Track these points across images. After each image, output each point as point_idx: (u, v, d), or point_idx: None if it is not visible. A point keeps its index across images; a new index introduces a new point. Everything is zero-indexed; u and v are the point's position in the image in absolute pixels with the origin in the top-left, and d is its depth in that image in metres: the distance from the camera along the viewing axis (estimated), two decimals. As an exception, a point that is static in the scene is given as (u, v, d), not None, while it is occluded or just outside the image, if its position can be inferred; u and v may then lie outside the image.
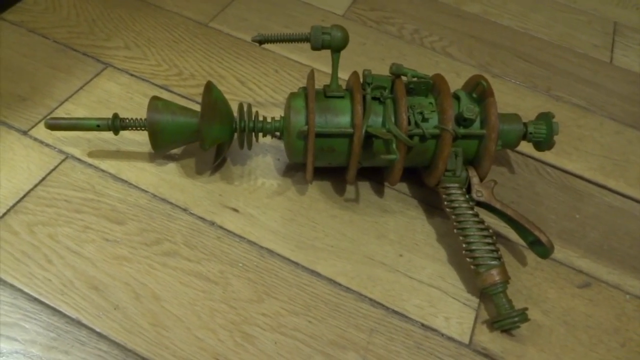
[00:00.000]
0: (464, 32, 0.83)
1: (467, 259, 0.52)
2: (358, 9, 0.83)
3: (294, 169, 0.61)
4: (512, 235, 0.57)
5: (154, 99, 0.55)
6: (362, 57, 0.76)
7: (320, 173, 0.60)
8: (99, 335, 0.47)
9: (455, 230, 0.53)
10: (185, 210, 0.56)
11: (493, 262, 0.51)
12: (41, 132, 0.60)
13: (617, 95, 0.77)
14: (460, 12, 0.86)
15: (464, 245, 0.52)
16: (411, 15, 0.84)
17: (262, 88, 0.70)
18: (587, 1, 0.92)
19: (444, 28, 0.83)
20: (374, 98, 0.53)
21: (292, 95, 0.55)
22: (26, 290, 0.49)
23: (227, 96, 0.58)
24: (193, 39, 0.74)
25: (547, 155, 0.67)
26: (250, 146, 0.57)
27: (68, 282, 0.50)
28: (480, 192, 0.54)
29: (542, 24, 0.86)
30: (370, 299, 0.52)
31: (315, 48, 0.53)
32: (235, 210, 0.57)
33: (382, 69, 0.55)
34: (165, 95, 0.66)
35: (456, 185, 0.54)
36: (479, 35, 0.83)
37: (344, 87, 0.56)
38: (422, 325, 0.51)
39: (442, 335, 0.50)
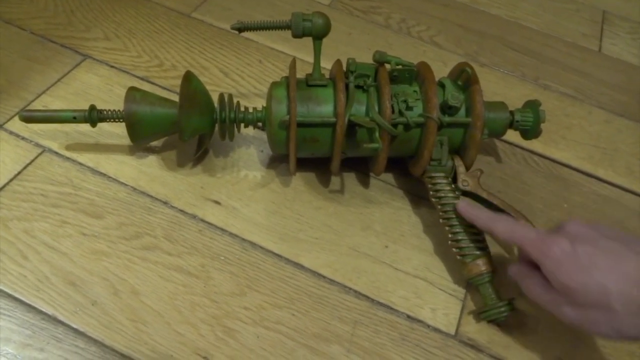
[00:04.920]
0: (452, 21, 0.82)
1: (453, 249, 0.51)
2: (344, -2, 0.82)
3: (277, 161, 0.60)
4: (499, 225, 0.56)
5: (132, 89, 0.54)
6: (348, 47, 0.75)
7: (305, 164, 0.59)
8: (76, 331, 0.46)
9: (441, 220, 0.52)
10: (165, 203, 0.55)
11: (479, 252, 0.50)
12: (17, 125, 0.59)
13: (605, 84, 0.76)
14: (448, 1, 0.85)
15: (449, 236, 0.51)
16: (398, 5, 0.83)
17: (246, 79, 0.68)
18: (576, -10, 0.91)
19: (431, 17, 0.82)
20: (357, 86, 0.52)
21: (274, 85, 0.54)
22: (0, 287, 0.48)
23: (210, 87, 0.56)
24: (175, 29, 0.73)
25: (534, 144, 0.66)
26: (231, 137, 0.56)
27: (44, 277, 0.48)
28: (466, 181, 0.53)
29: (531, 13, 0.85)
30: (355, 291, 0.51)
31: (296, 35, 0.52)
32: (218, 202, 0.56)
33: (368, 59, 0.54)
34: (146, 86, 0.65)
35: (442, 174, 0.53)
36: (467, 24, 0.82)
37: (327, 76, 0.55)
38: (408, 316, 0.50)
39: (428, 326, 0.50)
